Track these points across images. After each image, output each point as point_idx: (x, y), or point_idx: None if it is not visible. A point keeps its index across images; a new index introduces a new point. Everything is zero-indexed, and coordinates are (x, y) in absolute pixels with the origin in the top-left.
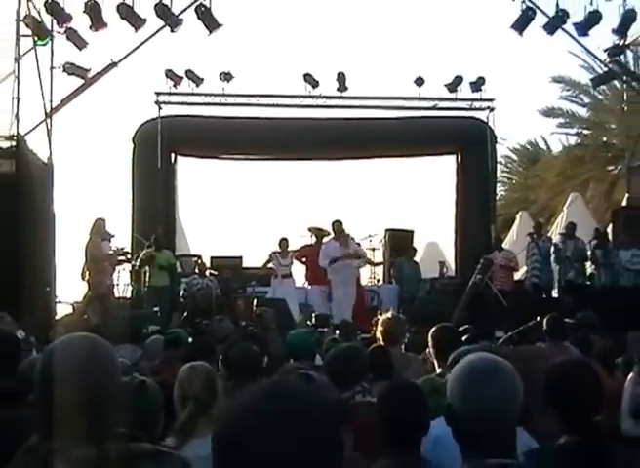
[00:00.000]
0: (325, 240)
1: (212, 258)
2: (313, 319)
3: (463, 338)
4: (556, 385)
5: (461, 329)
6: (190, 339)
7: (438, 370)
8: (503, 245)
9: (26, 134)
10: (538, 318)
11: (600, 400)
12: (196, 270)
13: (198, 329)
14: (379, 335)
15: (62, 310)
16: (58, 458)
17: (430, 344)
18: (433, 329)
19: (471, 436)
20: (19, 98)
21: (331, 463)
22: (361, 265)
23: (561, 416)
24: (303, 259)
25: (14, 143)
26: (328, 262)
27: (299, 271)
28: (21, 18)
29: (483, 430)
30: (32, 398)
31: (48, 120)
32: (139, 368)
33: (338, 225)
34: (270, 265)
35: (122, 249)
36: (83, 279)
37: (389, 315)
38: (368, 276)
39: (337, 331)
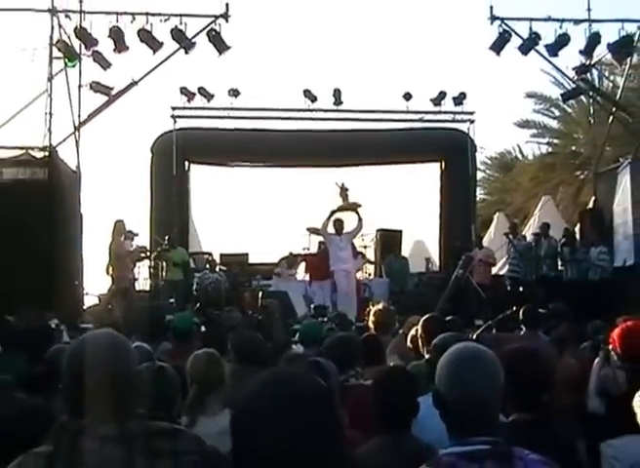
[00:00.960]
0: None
1: (221, 255)
2: (312, 310)
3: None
4: (505, 370)
5: (447, 319)
6: (203, 328)
7: (427, 356)
8: (483, 243)
9: (57, 145)
10: (514, 308)
11: (546, 383)
12: (207, 266)
13: (209, 318)
14: (370, 325)
15: (90, 301)
16: (85, 435)
17: (420, 332)
18: (422, 318)
19: (457, 417)
20: (51, 114)
21: (329, 434)
22: (361, 265)
23: (511, 397)
24: (307, 261)
25: (47, 154)
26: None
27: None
28: (54, 42)
29: (468, 412)
30: (61, 383)
31: (76, 133)
32: (157, 353)
33: (339, 224)
34: (277, 268)
35: (142, 247)
36: (107, 274)
37: (380, 307)
38: (361, 271)
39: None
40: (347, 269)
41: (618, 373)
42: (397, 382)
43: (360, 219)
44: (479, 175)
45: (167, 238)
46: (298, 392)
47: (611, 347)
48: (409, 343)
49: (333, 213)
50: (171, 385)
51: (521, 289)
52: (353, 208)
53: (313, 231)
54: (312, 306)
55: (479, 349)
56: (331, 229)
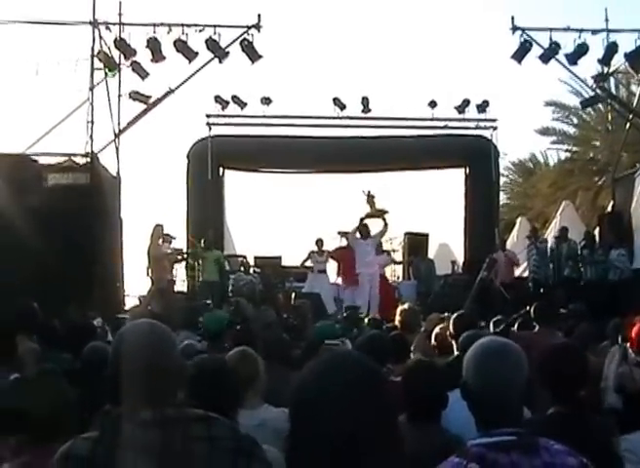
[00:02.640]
0: (356, 237)
1: (255, 258)
2: (344, 310)
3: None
4: (548, 365)
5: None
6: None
7: (457, 353)
8: (506, 246)
9: (99, 151)
10: (528, 307)
11: (583, 378)
12: (241, 268)
13: (245, 318)
14: (397, 324)
15: (130, 302)
16: (126, 421)
17: (451, 328)
18: (453, 316)
19: (484, 408)
20: (92, 122)
21: (384, 415)
22: (387, 263)
23: (552, 391)
24: (337, 260)
25: (88, 160)
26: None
27: (332, 269)
28: (95, 53)
29: (494, 402)
30: (104, 373)
31: (116, 140)
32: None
33: (365, 229)
34: (308, 262)
35: (179, 250)
36: (148, 276)
37: (405, 307)
38: (390, 273)
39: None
40: (373, 273)
41: (634, 371)
42: (425, 375)
43: (386, 224)
44: (502, 180)
45: (203, 240)
46: (353, 377)
47: (628, 345)
48: (433, 341)
49: (362, 220)
50: (232, 380)
51: (542, 290)
52: (381, 214)
53: (344, 235)
54: (344, 306)
55: (505, 342)
56: (357, 234)
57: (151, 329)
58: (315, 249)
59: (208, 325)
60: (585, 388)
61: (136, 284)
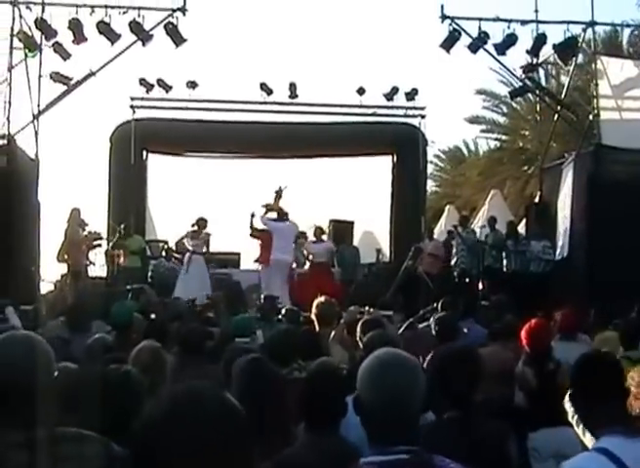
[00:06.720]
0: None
1: (176, 244)
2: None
3: None
4: (439, 371)
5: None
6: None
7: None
8: (434, 234)
9: (16, 133)
10: (435, 304)
11: (477, 382)
12: (163, 254)
13: (156, 309)
14: (313, 318)
15: (46, 288)
16: None
17: (359, 331)
18: (361, 322)
19: (378, 423)
20: (10, 103)
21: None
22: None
23: (445, 396)
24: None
25: (5, 142)
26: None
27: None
28: (15, 33)
29: (388, 417)
30: None
31: (35, 121)
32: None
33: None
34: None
35: (97, 233)
36: (58, 260)
37: (322, 299)
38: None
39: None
40: (288, 260)
41: (526, 370)
42: (325, 382)
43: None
44: (430, 168)
45: (123, 226)
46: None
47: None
48: (346, 332)
49: (266, 207)
50: (136, 391)
51: (467, 280)
52: (279, 212)
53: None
54: (262, 296)
55: (400, 354)
56: (273, 215)
57: (26, 345)
58: (195, 228)
59: (115, 316)
60: (478, 390)
61: (52, 269)
